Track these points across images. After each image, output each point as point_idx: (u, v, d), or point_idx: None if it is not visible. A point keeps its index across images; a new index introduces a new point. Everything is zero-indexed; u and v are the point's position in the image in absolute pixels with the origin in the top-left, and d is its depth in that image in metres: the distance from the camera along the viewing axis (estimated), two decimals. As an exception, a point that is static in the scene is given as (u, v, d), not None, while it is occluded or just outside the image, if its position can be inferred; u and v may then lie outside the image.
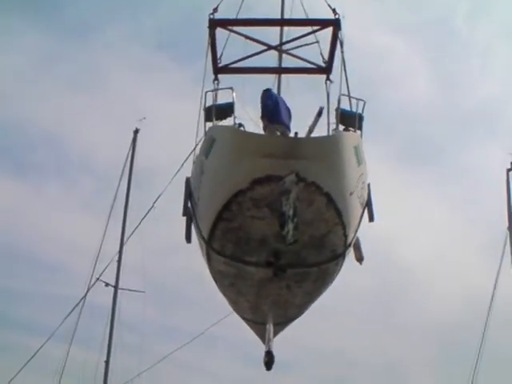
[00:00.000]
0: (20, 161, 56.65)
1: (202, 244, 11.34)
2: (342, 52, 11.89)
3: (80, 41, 56.34)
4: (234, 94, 10.46)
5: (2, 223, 48.01)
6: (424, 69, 56.17)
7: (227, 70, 13.48)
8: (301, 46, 13.75)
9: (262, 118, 10.83)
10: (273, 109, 10.93)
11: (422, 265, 48.27)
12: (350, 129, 10.26)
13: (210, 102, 11.13)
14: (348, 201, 9.99)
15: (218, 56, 13.30)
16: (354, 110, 10.65)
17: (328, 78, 13.56)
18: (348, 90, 11.44)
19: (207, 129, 10.62)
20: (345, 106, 11.07)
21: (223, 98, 11.09)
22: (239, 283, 11.48)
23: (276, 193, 9.16)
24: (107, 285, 30.10)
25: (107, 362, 29.42)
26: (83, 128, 52.61)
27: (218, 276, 11.75)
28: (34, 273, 48.61)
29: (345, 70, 11.64)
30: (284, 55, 13.87)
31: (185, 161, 11.57)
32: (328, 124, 12.31)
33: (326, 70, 13.54)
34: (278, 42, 13.76)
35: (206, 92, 10.84)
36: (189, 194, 11.36)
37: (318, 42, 13.67)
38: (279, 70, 14.01)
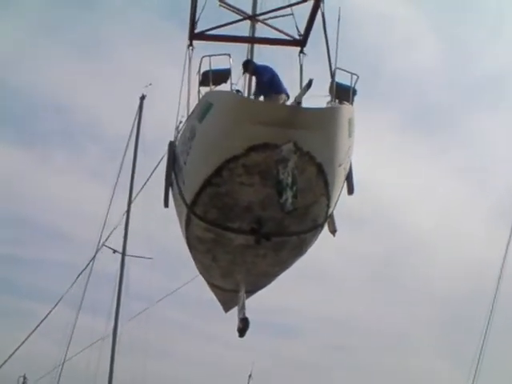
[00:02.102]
0: (27, 129, 55.94)
1: (182, 208, 11.32)
2: (325, 26, 11.93)
3: (86, 7, 54.61)
4: (231, 60, 10.46)
5: (10, 192, 48.18)
6: (431, 35, 55.63)
7: (202, 36, 13.39)
8: (276, 17, 13.82)
9: (271, 88, 10.76)
10: (278, 80, 11.00)
11: (429, 233, 48.94)
12: (344, 102, 10.40)
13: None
14: (336, 172, 10.19)
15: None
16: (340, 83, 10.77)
17: (302, 51, 13.68)
18: (329, 64, 11.61)
19: (203, 93, 10.54)
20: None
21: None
22: (216, 249, 11.53)
23: (270, 161, 9.24)
24: (115, 252, 29.77)
25: (115, 329, 29.15)
26: (90, 95, 52.16)
27: (194, 241, 11.76)
28: (42, 241, 49.53)
29: (327, 43, 11.77)
30: (262, 26, 13.87)
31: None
32: (300, 96, 12.44)
33: (300, 42, 13.64)
34: (257, 12, 13.76)
35: (203, 57, 10.77)
36: (172, 159, 11.30)
37: (292, 14, 13.77)
38: (253, 40, 13.99)
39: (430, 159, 53.72)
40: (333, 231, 12.11)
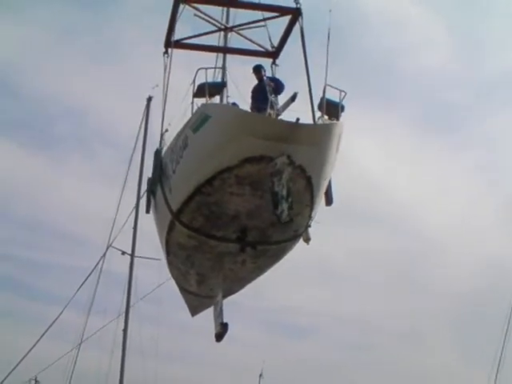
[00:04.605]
0: (41, 133, 56.96)
1: (164, 215, 11.50)
2: (304, 41, 12.25)
3: (99, 13, 54.47)
4: (228, 73, 10.74)
5: (24, 195, 49.16)
6: (445, 34, 57.01)
7: (178, 45, 13.61)
8: (250, 28, 14.15)
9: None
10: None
11: (443, 230, 49.60)
12: (332, 118, 10.78)
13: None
14: (322, 186, 10.61)
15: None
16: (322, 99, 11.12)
17: (274, 63, 14.04)
18: (308, 78, 11.99)
19: (199, 105, 10.72)
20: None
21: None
22: (196, 256, 11.76)
23: (264, 173, 9.57)
24: (123, 253, 29.53)
25: (125, 331, 28.88)
26: (104, 99, 52.91)
27: (175, 248, 11.95)
28: (54, 244, 49.76)
29: (305, 59, 12.13)
30: (238, 37, 14.16)
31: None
32: (283, 109, 12.78)
33: (272, 54, 14.01)
34: (238, 23, 14.04)
35: (199, 69, 10.96)
36: (159, 166, 11.47)
37: (265, 25, 14.12)
38: (227, 50, 14.27)
39: (444, 157, 55.63)
40: (307, 240, 12.48)
